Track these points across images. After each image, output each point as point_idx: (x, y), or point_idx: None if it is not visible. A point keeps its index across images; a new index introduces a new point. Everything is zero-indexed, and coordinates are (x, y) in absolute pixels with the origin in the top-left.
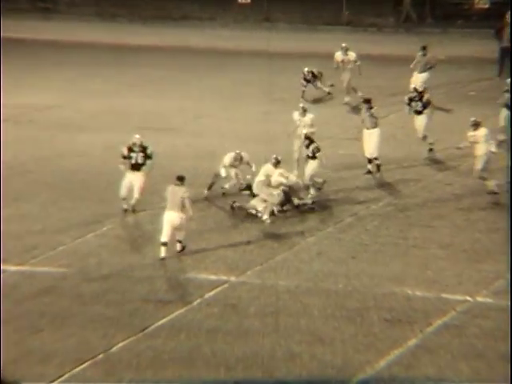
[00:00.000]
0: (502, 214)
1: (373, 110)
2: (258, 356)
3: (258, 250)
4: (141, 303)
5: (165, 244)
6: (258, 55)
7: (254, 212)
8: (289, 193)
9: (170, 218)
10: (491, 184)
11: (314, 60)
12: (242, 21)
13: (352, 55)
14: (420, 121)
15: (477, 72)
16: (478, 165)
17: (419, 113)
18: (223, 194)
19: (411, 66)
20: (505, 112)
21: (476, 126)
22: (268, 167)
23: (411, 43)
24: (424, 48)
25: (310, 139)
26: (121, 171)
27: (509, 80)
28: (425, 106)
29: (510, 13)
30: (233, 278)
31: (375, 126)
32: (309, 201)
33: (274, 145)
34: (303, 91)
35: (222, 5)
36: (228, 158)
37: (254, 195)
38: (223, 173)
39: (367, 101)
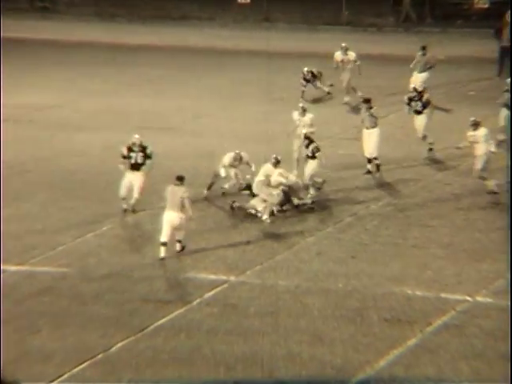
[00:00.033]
0: (501, 213)
1: (372, 110)
2: (257, 356)
3: (257, 250)
4: (140, 303)
5: (164, 244)
6: (257, 55)
7: (253, 212)
8: (288, 193)
9: (170, 218)
10: (491, 184)
11: (314, 60)
12: (241, 21)
13: (352, 55)
14: (420, 120)
15: (476, 72)
16: (478, 165)
17: (419, 113)
18: (223, 193)
19: (411, 66)
20: (505, 112)
21: (476, 125)
22: (268, 167)
23: (411, 43)
24: (424, 48)
25: (309, 139)
26: (120, 171)
27: (509, 80)
28: (424, 106)
29: (509, 12)
30: (232, 278)
31: (375, 125)
32: (308, 200)
33: (274, 144)
34: (303, 91)
35: (221, 4)
36: (228, 158)
37: (253, 195)
38: (223, 173)
39: (367, 101)
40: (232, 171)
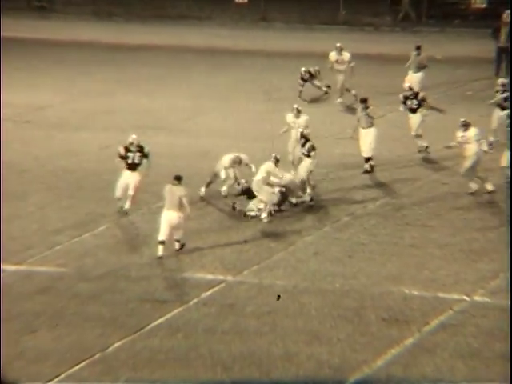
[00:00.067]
0: (499, 213)
1: (369, 110)
2: (254, 356)
3: (254, 250)
4: (137, 303)
5: (162, 242)
6: (254, 54)
7: (252, 214)
8: (285, 193)
9: (169, 218)
10: (474, 186)
11: (311, 59)
12: (238, 20)
13: (346, 55)
14: (414, 119)
15: (474, 71)
16: (466, 163)
17: (414, 111)
18: (225, 196)
19: (406, 66)
20: (498, 113)
21: (466, 126)
22: (269, 165)
23: (408, 42)
24: (418, 48)
25: (305, 137)
26: (119, 169)
27: (500, 80)
28: (420, 104)
29: (507, 12)
30: (230, 278)
31: (371, 125)
32: (307, 198)
33: (271, 144)
34: (300, 91)
35: (218, 4)
36: (227, 161)
37: (251, 198)
38: (223, 175)
39: (363, 100)
40: (231, 172)
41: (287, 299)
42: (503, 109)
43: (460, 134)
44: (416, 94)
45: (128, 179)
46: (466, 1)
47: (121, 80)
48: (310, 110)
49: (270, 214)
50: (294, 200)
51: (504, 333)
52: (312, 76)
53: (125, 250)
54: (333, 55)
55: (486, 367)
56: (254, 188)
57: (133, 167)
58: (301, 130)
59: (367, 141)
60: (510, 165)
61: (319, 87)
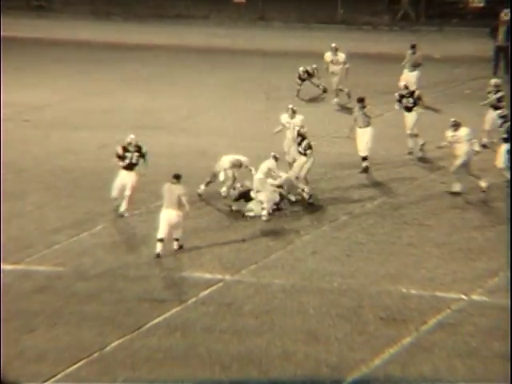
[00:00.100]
0: (496, 212)
1: (366, 110)
2: (253, 355)
3: (253, 249)
4: (136, 302)
5: (161, 240)
6: (253, 54)
7: (251, 214)
8: (281, 193)
9: (168, 216)
10: (458, 186)
11: (309, 58)
12: (236, 19)
13: (341, 56)
14: (410, 117)
15: (472, 70)
16: (457, 162)
17: (409, 109)
18: (224, 197)
19: (402, 64)
20: (491, 114)
21: (456, 126)
22: (270, 161)
23: (406, 41)
24: (413, 46)
25: (302, 136)
26: (117, 168)
27: (493, 81)
28: (415, 103)
29: (505, 11)
30: (228, 277)
31: (368, 124)
32: (306, 195)
33: (269, 143)
34: (298, 90)
35: (216, 3)
36: (227, 162)
37: (248, 200)
38: (222, 176)
39: (360, 100)
40: (230, 172)
41: (285, 298)
42: (496, 109)
43: (450, 133)
44: (412, 93)
45: (125, 179)
46: (464, 0)
47: (119, 79)
48: (308, 110)
49: (269, 213)
50: (293, 198)
51: (502, 332)
52: (310, 75)
53: (123, 249)
54: (328, 55)
55: (484, 366)
56: (256, 186)
57: (130, 167)
58: (297, 128)
59: (364, 140)
60: (510, 164)
61: (318, 85)
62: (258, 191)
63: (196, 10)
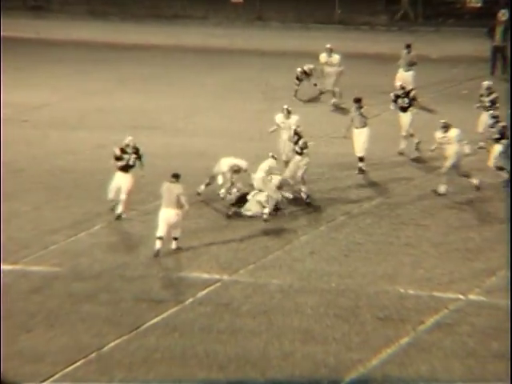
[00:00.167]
0: (493, 211)
1: (362, 110)
2: (250, 355)
3: (250, 249)
4: (133, 302)
5: (161, 238)
6: (250, 54)
7: (249, 214)
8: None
9: (167, 216)
10: (443, 188)
11: (307, 58)
12: (234, 19)
13: (336, 58)
14: (405, 118)
15: (469, 71)
16: (448, 163)
17: (405, 110)
18: (222, 198)
19: (397, 64)
20: (484, 116)
21: (446, 128)
22: (270, 161)
23: (404, 42)
24: (408, 46)
25: (298, 135)
26: (115, 169)
27: (485, 83)
28: (411, 103)
29: (502, 12)
30: (225, 277)
31: (364, 125)
32: (303, 196)
33: (267, 142)
34: (296, 90)
35: (214, 3)
36: (225, 166)
37: (244, 202)
38: (220, 180)
39: (357, 100)
40: (228, 175)
41: (283, 298)
42: (489, 111)
43: (440, 134)
44: (407, 93)
45: (121, 181)
46: (461, 0)
47: (117, 79)
48: (306, 110)
49: (269, 212)
50: (290, 195)
51: (500, 332)
52: (307, 75)
53: (120, 249)
54: (323, 57)
55: (482, 366)
56: (258, 186)
57: (126, 169)
58: (294, 127)
59: (360, 140)
60: (510, 164)
61: (315, 85)
62: (259, 190)
63: (193, 10)
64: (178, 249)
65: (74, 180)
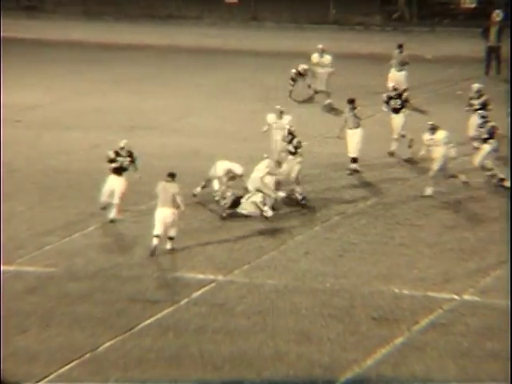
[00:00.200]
0: (488, 211)
1: (356, 111)
2: (245, 355)
3: (245, 249)
4: (128, 303)
5: (158, 236)
6: (245, 54)
7: (245, 212)
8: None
9: (163, 215)
10: (430, 190)
11: (302, 59)
12: (229, 20)
13: (327, 59)
14: (397, 119)
15: (464, 71)
16: (435, 166)
17: (397, 111)
18: (217, 200)
19: (390, 63)
20: (474, 119)
21: (433, 130)
22: (268, 161)
23: (398, 42)
24: (400, 46)
25: (292, 134)
26: (107, 171)
27: (475, 86)
28: (403, 105)
29: (496, 12)
30: (220, 277)
31: (358, 126)
32: (298, 196)
33: (261, 143)
34: (290, 91)
35: (208, 4)
36: (221, 171)
37: (238, 206)
38: (216, 185)
39: (351, 101)
40: (224, 179)
41: (278, 299)
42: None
43: (428, 136)
44: (399, 95)
45: (114, 185)
46: (455, 1)
47: (111, 80)
48: (300, 110)
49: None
50: (284, 193)
51: (494, 331)
52: (302, 75)
53: (115, 249)
54: (315, 57)
55: (476, 366)
56: (255, 186)
57: (119, 171)
58: (287, 127)
59: (354, 141)
60: (510, 164)
61: (309, 86)
62: (256, 190)
63: (188, 11)
64: (173, 249)
65: (67, 180)
